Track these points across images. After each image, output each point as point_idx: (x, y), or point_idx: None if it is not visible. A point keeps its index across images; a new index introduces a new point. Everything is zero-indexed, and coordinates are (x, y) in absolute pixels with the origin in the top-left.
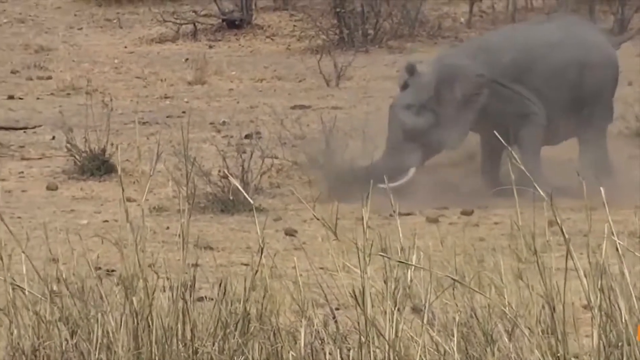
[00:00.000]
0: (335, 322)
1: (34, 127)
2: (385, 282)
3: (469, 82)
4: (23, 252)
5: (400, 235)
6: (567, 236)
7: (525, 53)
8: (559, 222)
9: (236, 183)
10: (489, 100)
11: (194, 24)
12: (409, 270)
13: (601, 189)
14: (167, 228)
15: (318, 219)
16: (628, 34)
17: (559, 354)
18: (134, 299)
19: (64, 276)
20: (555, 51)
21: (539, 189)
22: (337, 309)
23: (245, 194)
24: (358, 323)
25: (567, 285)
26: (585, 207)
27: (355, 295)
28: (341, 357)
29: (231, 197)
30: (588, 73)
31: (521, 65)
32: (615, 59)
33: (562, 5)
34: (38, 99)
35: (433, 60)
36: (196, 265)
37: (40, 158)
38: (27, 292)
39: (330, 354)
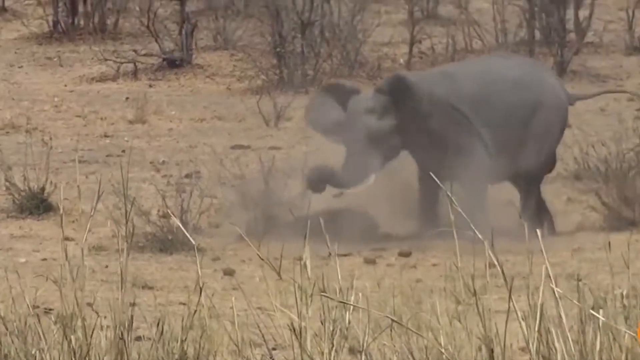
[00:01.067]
0: None
1: None
2: (322, 322)
3: (423, 96)
4: None
5: (339, 275)
6: (507, 278)
7: (484, 86)
8: (499, 264)
9: (177, 222)
10: (441, 126)
11: (135, 63)
12: (348, 311)
13: (538, 232)
14: (106, 267)
15: (262, 259)
16: (588, 94)
17: None
18: (72, 337)
19: (2, 314)
20: (513, 87)
21: (476, 232)
22: (274, 349)
23: (185, 233)
24: None
25: (505, 328)
26: (526, 249)
27: (295, 333)
28: None
29: (170, 237)
30: (540, 113)
31: (479, 98)
32: (566, 105)
33: (502, 47)
34: None
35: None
36: (134, 304)
37: None
38: None
39: None
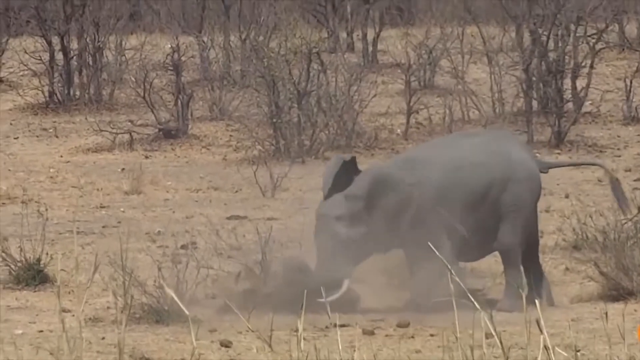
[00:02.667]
0: None
1: None
2: None
3: (402, 192)
4: None
5: (340, 347)
6: (505, 348)
7: (450, 173)
8: (497, 334)
9: (172, 293)
10: (412, 216)
11: (130, 134)
12: None
13: (537, 302)
14: (103, 338)
15: (253, 331)
16: (561, 162)
17: None
18: None
19: None
20: (479, 171)
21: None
22: None
23: (180, 305)
24: None
25: None
26: (525, 320)
27: None
28: None
29: (166, 308)
30: (510, 189)
31: (447, 185)
32: (538, 175)
33: (499, 118)
34: None
35: (363, 172)
36: None
37: None
38: None
39: None
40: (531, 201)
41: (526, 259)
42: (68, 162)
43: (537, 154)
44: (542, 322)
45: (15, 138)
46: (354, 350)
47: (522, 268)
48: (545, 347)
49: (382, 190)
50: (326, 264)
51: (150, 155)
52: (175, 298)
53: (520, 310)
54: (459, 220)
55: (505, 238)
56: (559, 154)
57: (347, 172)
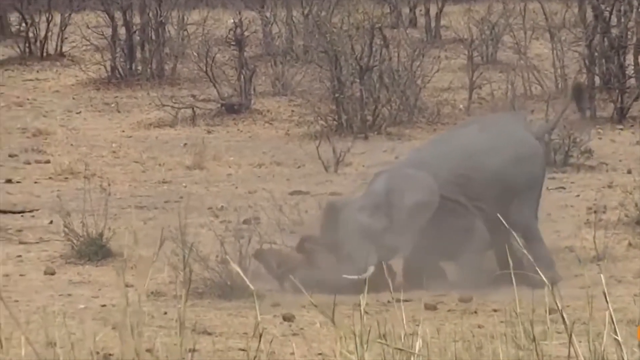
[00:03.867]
0: None
1: (31, 211)
2: None
3: (421, 190)
4: (23, 335)
5: (402, 321)
6: (568, 322)
7: (463, 163)
8: (560, 309)
9: (237, 268)
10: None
11: (193, 109)
12: (408, 358)
13: (602, 276)
14: (165, 313)
15: (315, 306)
16: (551, 123)
17: None
18: None
19: None
20: (491, 157)
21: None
22: None
23: (245, 279)
24: None
25: None
26: (587, 294)
27: None
28: None
29: (229, 283)
30: (518, 169)
31: (461, 176)
32: (540, 150)
33: (561, 93)
34: (36, 182)
35: (381, 171)
36: (194, 350)
37: (37, 242)
38: None
39: None
40: (542, 177)
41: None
42: (130, 137)
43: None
44: (607, 297)
45: (77, 113)
46: (417, 325)
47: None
48: (610, 322)
49: (400, 189)
50: (349, 255)
51: (212, 131)
52: (240, 272)
53: (558, 276)
54: (481, 209)
55: (520, 215)
56: (621, 129)
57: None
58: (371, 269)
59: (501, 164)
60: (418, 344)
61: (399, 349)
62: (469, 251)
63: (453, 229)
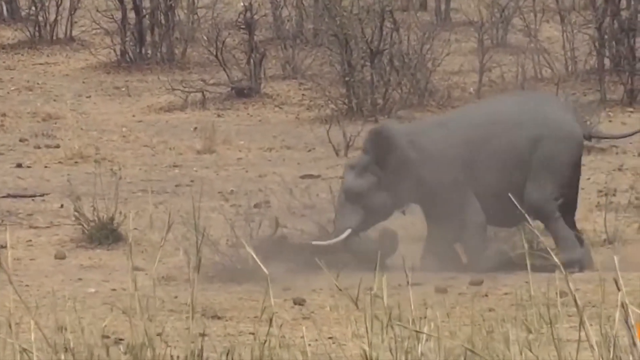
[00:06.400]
0: None
1: (42, 196)
2: (391, 352)
3: (403, 148)
4: (33, 319)
5: (412, 305)
6: (580, 306)
7: (479, 128)
8: (572, 292)
9: (250, 251)
10: (433, 176)
11: (203, 93)
12: (419, 341)
13: (615, 258)
14: (176, 297)
15: (340, 289)
16: (605, 133)
17: None
18: None
19: (72, 345)
20: (510, 127)
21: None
22: None
23: (259, 262)
24: None
25: (577, 357)
26: (599, 277)
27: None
28: None
29: (239, 266)
30: (542, 148)
31: (474, 143)
32: (576, 135)
33: (571, 76)
34: (46, 167)
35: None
36: (204, 334)
37: (48, 226)
38: None
39: None
40: (568, 162)
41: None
42: (140, 121)
43: (587, 121)
44: (620, 281)
45: (87, 97)
46: (427, 308)
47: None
48: (622, 305)
49: (387, 145)
50: (336, 213)
51: (222, 114)
52: (254, 255)
53: (581, 255)
54: (491, 180)
55: (533, 195)
56: (631, 112)
57: None
58: (347, 232)
59: (515, 137)
60: (429, 326)
61: (414, 331)
62: (462, 228)
63: (448, 204)
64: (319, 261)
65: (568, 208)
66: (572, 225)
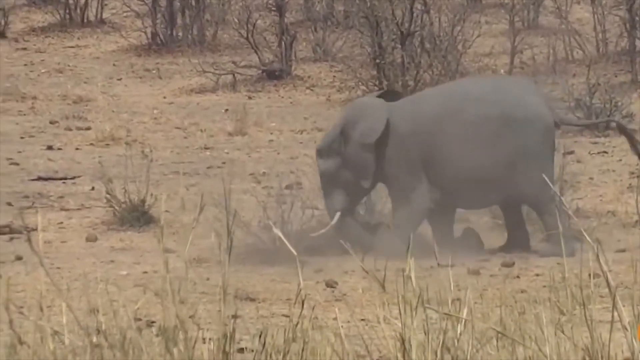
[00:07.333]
0: None
1: (73, 178)
2: (426, 334)
3: (374, 121)
4: (64, 302)
5: (444, 287)
6: (612, 287)
7: (447, 104)
8: (604, 273)
9: (279, 233)
10: (395, 153)
11: (234, 75)
12: (452, 322)
13: None
14: (207, 279)
15: (366, 271)
16: (577, 120)
17: None
18: (174, 350)
19: (104, 327)
20: (477, 104)
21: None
22: None
23: (288, 245)
24: None
25: (609, 338)
26: (631, 258)
27: (402, 342)
28: None
29: (271, 248)
30: (515, 129)
31: (443, 115)
32: (544, 118)
33: (602, 57)
34: (77, 149)
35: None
36: (236, 316)
37: (79, 209)
38: (67, 343)
39: None
40: (542, 146)
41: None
42: (171, 103)
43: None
44: None
45: (118, 79)
46: (459, 290)
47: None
48: None
49: (353, 120)
50: (323, 199)
51: (253, 97)
52: (283, 238)
53: (560, 255)
54: (459, 159)
55: (527, 189)
56: None
57: None
58: (337, 215)
59: (484, 116)
60: (461, 308)
61: (446, 314)
62: (405, 213)
63: (402, 175)
64: (345, 244)
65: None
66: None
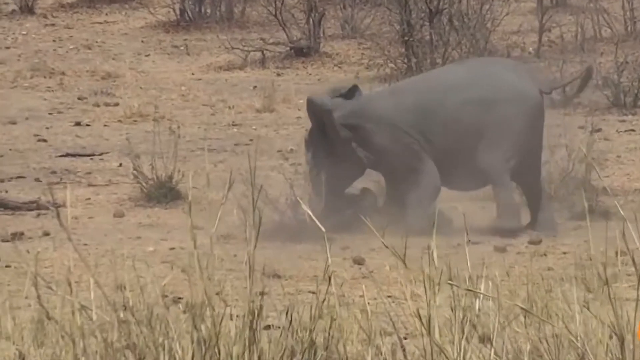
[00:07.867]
0: (403, 350)
1: (100, 154)
2: (452, 310)
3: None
4: (92, 277)
5: (469, 264)
6: (639, 265)
7: (424, 97)
8: (632, 251)
9: (307, 210)
10: (388, 143)
11: (262, 52)
12: (477, 300)
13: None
14: (235, 256)
15: (387, 247)
16: (562, 81)
17: None
18: (201, 327)
19: (131, 303)
20: (454, 91)
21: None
22: (404, 337)
23: (316, 222)
24: (425, 351)
25: (635, 316)
26: None
27: (423, 322)
28: None
29: (299, 225)
30: (493, 110)
31: (421, 109)
32: (529, 97)
33: (630, 36)
34: (105, 125)
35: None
36: (263, 293)
37: (107, 185)
38: (94, 318)
39: None
40: (522, 123)
41: (525, 183)
42: (199, 79)
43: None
44: None
45: (146, 56)
46: (485, 267)
47: (512, 185)
48: None
49: (329, 112)
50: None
51: (282, 73)
52: (312, 215)
53: (519, 225)
54: (442, 144)
55: (483, 156)
56: None
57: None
58: (320, 206)
59: (465, 102)
60: (487, 285)
61: (471, 290)
62: (419, 193)
63: (403, 168)
64: (367, 220)
65: (528, 172)
66: (537, 189)
